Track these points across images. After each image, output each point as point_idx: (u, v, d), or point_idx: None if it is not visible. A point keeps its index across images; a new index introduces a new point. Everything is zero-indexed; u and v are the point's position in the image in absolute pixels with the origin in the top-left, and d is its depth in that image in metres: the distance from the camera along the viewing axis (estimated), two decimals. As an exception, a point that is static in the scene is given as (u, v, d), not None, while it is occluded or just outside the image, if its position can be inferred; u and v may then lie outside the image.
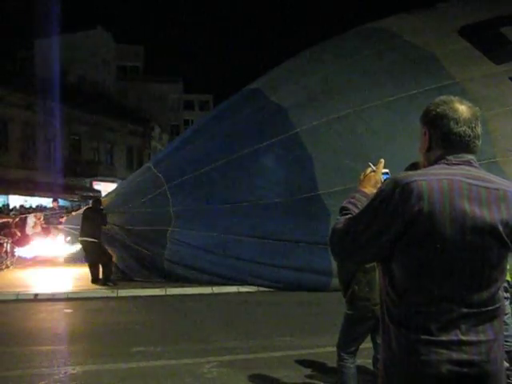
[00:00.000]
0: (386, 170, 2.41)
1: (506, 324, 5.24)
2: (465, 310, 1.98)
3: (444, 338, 1.96)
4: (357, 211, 2.20)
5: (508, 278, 5.27)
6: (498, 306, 2.05)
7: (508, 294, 5.29)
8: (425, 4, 12.94)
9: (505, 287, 5.22)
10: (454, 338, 1.96)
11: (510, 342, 5.21)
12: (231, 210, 10.44)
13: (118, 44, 50.33)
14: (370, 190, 2.34)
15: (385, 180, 2.34)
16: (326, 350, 5.89)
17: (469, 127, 2.10)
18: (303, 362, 5.80)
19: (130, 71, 55.58)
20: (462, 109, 2.11)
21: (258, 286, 10.41)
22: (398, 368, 2.02)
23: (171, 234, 10.70)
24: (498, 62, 10.61)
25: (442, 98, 2.17)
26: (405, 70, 10.59)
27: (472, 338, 1.97)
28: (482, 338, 1.99)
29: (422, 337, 1.97)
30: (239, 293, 10.33)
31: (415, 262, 1.98)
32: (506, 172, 9.36)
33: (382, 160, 2.42)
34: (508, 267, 5.36)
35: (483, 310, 2.01)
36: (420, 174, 2.04)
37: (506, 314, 5.25)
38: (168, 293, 10.32)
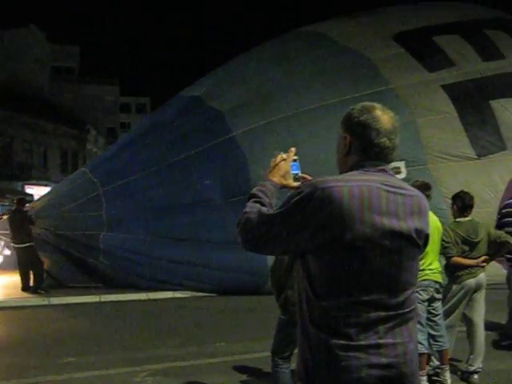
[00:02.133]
0: (296, 158, 2.39)
1: (437, 324, 5.38)
2: (383, 314, 2.01)
3: (363, 342, 1.97)
4: (267, 200, 2.23)
5: (440, 279, 5.42)
6: (412, 308, 2.11)
7: (440, 295, 5.44)
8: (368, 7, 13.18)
9: (437, 289, 5.36)
10: (372, 341, 1.98)
11: (441, 342, 5.35)
12: (167, 213, 10.33)
13: (52, 44, 48.94)
14: (280, 179, 2.35)
15: (295, 175, 2.37)
16: (261, 355, 5.85)
17: (388, 139, 2.14)
18: (239, 368, 5.75)
19: (65, 72, 54.16)
20: (384, 119, 2.15)
21: (193, 289, 10.33)
22: (319, 373, 2.02)
23: (105, 239, 10.48)
24: (431, 69, 10.92)
25: (366, 105, 2.19)
26: (342, 74, 10.73)
27: (389, 340, 2.00)
28: (398, 340, 2.02)
29: (342, 342, 1.97)
30: (175, 298, 10.20)
31: (334, 266, 1.99)
32: (436, 177, 9.65)
33: (293, 149, 2.41)
34: (440, 269, 5.51)
35: (400, 312, 2.05)
36: (340, 180, 2.06)
37: (438, 315, 5.40)
38: (103, 299, 10.06)
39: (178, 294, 10.32)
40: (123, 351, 6.57)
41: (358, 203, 2.00)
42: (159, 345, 6.86)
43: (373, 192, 2.04)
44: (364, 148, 2.14)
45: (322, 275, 2.02)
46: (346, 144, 2.18)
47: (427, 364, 5.33)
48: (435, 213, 6.01)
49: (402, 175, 9.77)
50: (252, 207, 2.19)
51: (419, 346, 5.18)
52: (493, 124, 10.44)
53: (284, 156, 2.38)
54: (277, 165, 2.37)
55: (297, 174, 2.38)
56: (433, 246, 5.38)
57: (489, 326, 6.25)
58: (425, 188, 5.36)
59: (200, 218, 10.09)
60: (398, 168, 9.81)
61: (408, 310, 2.09)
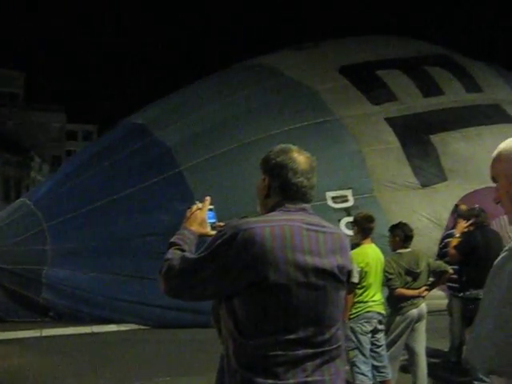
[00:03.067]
0: (211, 207, 2.46)
1: (380, 355, 5.42)
2: (310, 351, 2.03)
3: (291, 380, 1.98)
4: (187, 247, 2.25)
5: (383, 311, 5.48)
6: (339, 344, 2.15)
7: (382, 326, 5.49)
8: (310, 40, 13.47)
9: (380, 320, 5.41)
10: (300, 379, 1.99)
11: (384, 373, 5.38)
12: (112, 249, 10.11)
13: (-5, 69, 48.00)
14: (197, 228, 2.39)
15: (212, 223, 2.42)
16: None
17: (306, 178, 2.20)
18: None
19: (9, 98, 53.01)
20: (301, 159, 2.21)
21: (131, 323, 10.10)
22: None
23: (48, 274, 10.16)
24: (375, 102, 11.22)
25: (282, 147, 2.26)
26: (288, 105, 10.88)
27: (317, 378, 2.03)
28: (326, 377, 2.05)
29: (270, 381, 1.97)
30: (119, 331, 9.93)
31: (259, 306, 2.01)
32: (382, 205, 9.83)
33: (208, 198, 2.48)
34: (382, 300, 5.59)
35: (327, 349, 2.08)
36: (262, 221, 2.09)
37: (381, 346, 5.44)
38: (44, 334, 9.69)
39: (123, 327, 10.04)
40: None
41: (281, 243, 2.03)
42: (98, 380, 6.66)
43: (294, 231, 2.08)
44: (282, 188, 2.19)
45: (249, 315, 2.02)
46: (265, 186, 2.23)
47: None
48: (380, 240, 6.11)
49: (350, 203, 9.92)
50: (173, 254, 2.21)
51: (363, 377, 5.22)
52: (434, 156, 10.78)
53: (199, 205, 2.44)
54: (193, 214, 2.41)
55: (214, 223, 2.44)
56: (376, 278, 5.44)
57: (431, 354, 6.34)
58: (368, 220, 5.44)
59: (144, 256, 9.88)
60: (346, 196, 9.96)
61: (335, 346, 2.12)
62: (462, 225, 6.46)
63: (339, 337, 2.16)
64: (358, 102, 11.10)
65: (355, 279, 5.31)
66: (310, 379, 2.00)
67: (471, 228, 6.36)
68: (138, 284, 9.84)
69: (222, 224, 2.42)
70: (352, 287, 5.30)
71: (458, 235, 6.42)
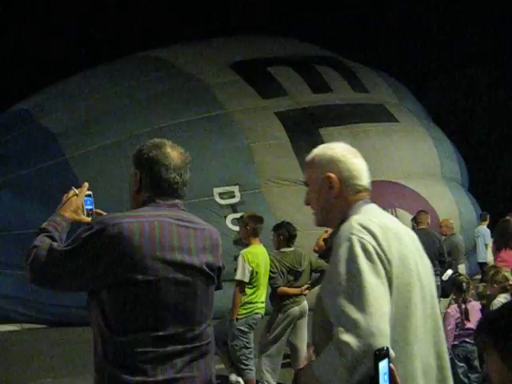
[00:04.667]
0: (89, 193, 2.41)
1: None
2: (179, 347, 2.01)
3: (160, 377, 1.95)
4: (57, 235, 2.20)
5: (263, 312, 5.58)
6: (209, 341, 2.15)
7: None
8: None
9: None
10: (169, 376, 1.97)
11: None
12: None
13: None
14: (71, 214, 2.33)
15: (89, 210, 2.37)
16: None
17: (178, 174, 2.18)
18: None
19: None
20: (174, 155, 2.20)
21: (24, 323, 9.59)
22: None
23: None
24: (266, 96, 11.36)
25: (156, 141, 2.27)
26: (178, 98, 10.76)
27: (187, 374, 2.01)
28: (195, 373, 2.04)
29: (138, 378, 1.94)
30: (2, 332, 9.37)
31: (128, 301, 1.97)
32: (269, 201, 9.95)
33: (86, 184, 2.43)
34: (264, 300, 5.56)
35: (197, 345, 2.07)
36: (131, 216, 2.06)
37: (249, 348, 5.50)
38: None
39: (6, 327, 9.50)
40: None
41: (149, 239, 2.00)
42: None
43: (164, 227, 2.06)
44: (154, 184, 2.16)
45: (117, 311, 1.98)
46: (137, 180, 2.20)
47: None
48: (267, 237, 6.13)
49: (236, 199, 9.93)
50: (42, 241, 2.14)
51: (251, 372, 5.26)
52: (322, 150, 11.04)
53: (76, 191, 2.36)
54: (69, 199, 2.33)
55: (90, 210, 2.39)
56: (264, 279, 5.46)
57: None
58: (258, 221, 5.45)
59: (28, 249, 9.34)
60: (232, 192, 9.97)
61: (205, 342, 2.11)
62: None
63: (209, 333, 2.16)
64: (249, 97, 11.19)
65: (246, 278, 5.32)
66: (179, 375, 1.99)
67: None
68: (23, 279, 9.29)
69: (100, 211, 2.42)
70: (242, 286, 5.31)
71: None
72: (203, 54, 12.21)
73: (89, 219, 2.34)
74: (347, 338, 1.71)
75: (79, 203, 2.36)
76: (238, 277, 5.33)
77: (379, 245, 1.86)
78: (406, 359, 1.86)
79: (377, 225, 1.92)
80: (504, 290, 4.91)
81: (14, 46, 18.40)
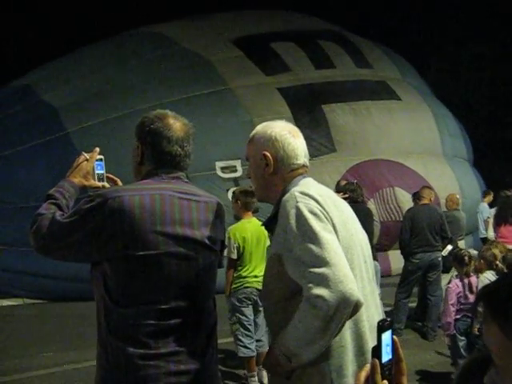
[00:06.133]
0: (101, 157, 2.35)
1: (257, 329, 5.50)
2: (182, 321, 2.00)
3: (163, 350, 1.96)
4: (64, 202, 2.17)
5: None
6: (212, 314, 2.15)
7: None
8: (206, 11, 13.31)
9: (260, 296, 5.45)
10: (171, 349, 1.97)
11: (259, 345, 5.47)
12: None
13: None
14: (80, 180, 2.29)
15: (100, 174, 2.32)
16: (93, 363, 5.60)
17: (180, 146, 2.13)
18: (69, 378, 5.47)
19: None
20: (176, 127, 2.15)
21: (23, 297, 9.65)
22: (118, 383, 1.98)
23: None
24: (268, 73, 11.30)
25: (158, 112, 2.22)
26: (180, 74, 10.71)
27: (188, 347, 2.00)
28: (197, 347, 2.03)
29: (140, 351, 1.95)
30: (2, 307, 9.44)
31: (130, 274, 2.01)
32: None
33: (97, 149, 2.37)
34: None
35: (199, 319, 2.06)
36: (132, 189, 2.03)
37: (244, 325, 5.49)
38: None
39: (6, 302, 9.58)
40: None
41: (150, 212, 1.98)
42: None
43: (165, 200, 2.03)
44: (156, 156, 2.13)
45: (120, 283, 1.98)
46: (139, 153, 2.16)
47: (257, 366, 5.41)
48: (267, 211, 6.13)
49: (238, 173, 9.95)
50: (47, 209, 2.11)
51: (245, 349, 5.28)
52: (324, 127, 11.04)
53: (87, 156, 2.32)
54: (79, 165, 2.29)
55: (101, 174, 2.34)
56: (256, 253, 5.42)
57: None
58: (248, 195, 5.41)
59: (26, 221, 9.37)
60: (234, 167, 9.99)
61: (207, 316, 2.11)
62: None
63: (212, 307, 2.15)
64: (252, 73, 11.13)
65: (233, 255, 5.31)
66: (181, 349, 1.98)
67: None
68: (20, 254, 9.36)
69: (111, 176, 2.37)
70: (231, 263, 5.31)
71: None
72: (205, 30, 12.09)
73: (100, 184, 2.30)
74: (318, 291, 1.79)
75: (89, 168, 2.30)
76: (226, 253, 5.33)
77: (323, 209, 1.96)
78: (356, 320, 1.95)
79: (316, 193, 2.00)
80: (490, 267, 4.94)
81: (15, 22, 18.23)
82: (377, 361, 1.22)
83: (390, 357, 1.26)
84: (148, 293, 1.97)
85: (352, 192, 6.41)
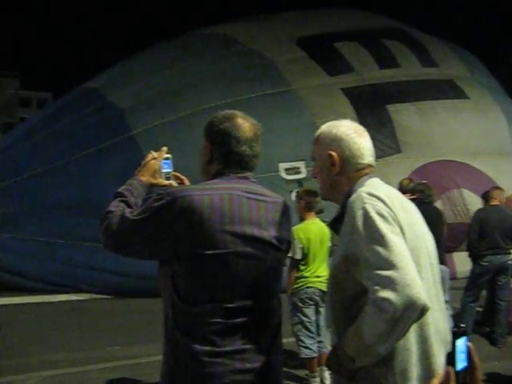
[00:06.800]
0: (168, 156, 2.37)
1: (319, 330, 5.46)
2: (248, 319, 2.02)
3: (228, 348, 1.98)
4: (133, 200, 2.21)
5: (325, 288, 5.50)
6: (278, 314, 2.15)
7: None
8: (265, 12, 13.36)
9: (321, 297, 5.42)
10: (237, 347, 1.99)
11: (320, 346, 5.43)
12: (63, 213, 9.90)
13: None
14: (148, 178, 2.32)
15: (167, 173, 2.35)
16: (158, 358, 5.73)
17: (249, 146, 2.14)
18: (135, 372, 5.62)
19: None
20: (245, 127, 2.16)
21: (93, 293, 9.97)
22: (182, 379, 2.00)
23: (-2, 240, 9.88)
24: (332, 73, 11.24)
25: (227, 113, 2.23)
26: (244, 74, 10.80)
27: (254, 346, 2.02)
28: (263, 345, 2.04)
29: (207, 348, 1.97)
30: (71, 301, 9.78)
31: (198, 273, 2.02)
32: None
33: (165, 148, 2.40)
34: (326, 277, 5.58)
35: (265, 319, 2.07)
36: (201, 188, 2.05)
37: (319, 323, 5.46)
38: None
39: (74, 297, 9.90)
40: (9, 358, 6.21)
41: (219, 211, 2.00)
42: (48, 350, 6.55)
43: (234, 200, 2.04)
44: (225, 156, 2.14)
45: (188, 281, 2.00)
46: (208, 152, 2.18)
47: (319, 366, 5.39)
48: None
49: (302, 175, 9.93)
50: (116, 207, 2.16)
51: (307, 350, 5.26)
52: (389, 127, 10.88)
53: (155, 154, 2.36)
54: (147, 163, 2.34)
55: (169, 173, 2.37)
56: (319, 254, 5.39)
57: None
58: (311, 195, 5.39)
59: (96, 221, 9.65)
60: (298, 168, 9.97)
61: (273, 315, 2.12)
62: None
63: (277, 307, 2.16)
64: (315, 74, 11.10)
65: (297, 256, 5.31)
66: (246, 347, 2.00)
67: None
68: (88, 250, 9.68)
69: (178, 175, 2.40)
70: (294, 263, 5.31)
71: None
72: (268, 30, 12.13)
73: (167, 182, 2.32)
74: (385, 293, 1.78)
75: (157, 167, 2.34)
76: (290, 254, 5.33)
77: (391, 211, 1.94)
78: (421, 323, 1.91)
79: (384, 194, 1.99)
80: None
81: (80, 27, 18.87)
82: (452, 368, 1.19)
83: (466, 364, 1.21)
84: (215, 291, 1.99)
85: (420, 193, 6.30)
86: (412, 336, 1.92)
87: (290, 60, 11.25)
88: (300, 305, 5.35)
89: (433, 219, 6.05)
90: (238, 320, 1.99)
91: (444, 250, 7.01)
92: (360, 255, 1.91)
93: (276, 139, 9.69)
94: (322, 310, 5.42)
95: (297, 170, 9.99)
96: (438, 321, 2.00)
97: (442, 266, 5.88)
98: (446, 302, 6.18)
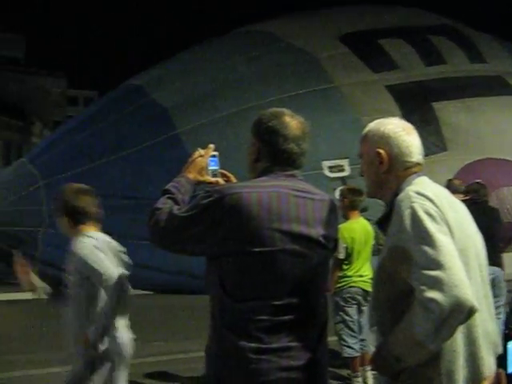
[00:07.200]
0: (215, 153, 2.42)
1: (361, 329, 5.40)
2: (294, 317, 2.04)
3: (274, 345, 2.01)
4: (180, 197, 2.25)
5: (368, 288, 5.44)
6: (324, 312, 2.18)
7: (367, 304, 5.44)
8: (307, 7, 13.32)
9: (364, 297, 5.37)
10: (283, 344, 2.02)
11: (363, 345, 5.38)
12: (109, 211, 10.04)
13: (-5, 32, 47.45)
14: (195, 175, 2.38)
15: (214, 170, 2.40)
16: (198, 354, 5.78)
17: (296, 145, 2.19)
18: (176, 367, 5.68)
19: (10, 62, 52.49)
20: (292, 125, 2.21)
21: (136, 289, 10.09)
22: (228, 375, 2.04)
23: (44, 235, 10.10)
24: (376, 70, 11.09)
25: (274, 111, 2.26)
26: (286, 71, 10.74)
27: (300, 343, 2.04)
28: (309, 343, 2.06)
29: (253, 345, 2.00)
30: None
31: (245, 270, 2.04)
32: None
33: (212, 145, 2.46)
34: (371, 277, 5.61)
35: (311, 317, 2.09)
36: (249, 186, 2.10)
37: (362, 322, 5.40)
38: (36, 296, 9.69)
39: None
40: (51, 351, 6.35)
41: (267, 209, 2.03)
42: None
43: (282, 197, 2.07)
44: (272, 154, 2.18)
45: (235, 278, 2.06)
46: (255, 150, 2.22)
47: (361, 366, 5.37)
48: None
49: (346, 173, 9.85)
50: (164, 204, 2.21)
51: (350, 350, 5.23)
52: (435, 125, 10.67)
53: (202, 152, 2.40)
54: (194, 160, 2.39)
55: (215, 170, 2.42)
56: (363, 253, 5.39)
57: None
58: (355, 194, 5.36)
59: (141, 217, 9.77)
60: (342, 166, 9.89)
61: (319, 314, 2.15)
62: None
63: (324, 305, 2.17)
64: (359, 70, 10.97)
65: (341, 255, 5.29)
66: (293, 344, 2.01)
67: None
68: (132, 246, 9.78)
69: (225, 172, 2.45)
70: (338, 262, 5.29)
71: None
72: (310, 27, 12.05)
73: (214, 180, 2.37)
74: (432, 294, 1.77)
75: (204, 164, 2.38)
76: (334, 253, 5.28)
77: (439, 210, 1.93)
78: (469, 324, 1.89)
79: (432, 193, 2.00)
80: None
81: (127, 26, 19.16)
82: (503, 371, 1.15)
83: None
84: (262, 289, 2.01)
85: (475, 192, 6.21)
86: (459, 338, 1.89)
87: (333, 56, 11.16)
88: (343, 304, 5.34)
89: (489, 219, 5.92)
90: (285, 317, 2.01)
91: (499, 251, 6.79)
92: (408, 255, 1.88)
93: (319, 137, 9.62)
94: (364, 309, 5.39)
95: (340, 168, 9.90)
96: (487, 322, 1.96)
97: (496, 268, 5.70)
98: (502, 305, 6.00)
